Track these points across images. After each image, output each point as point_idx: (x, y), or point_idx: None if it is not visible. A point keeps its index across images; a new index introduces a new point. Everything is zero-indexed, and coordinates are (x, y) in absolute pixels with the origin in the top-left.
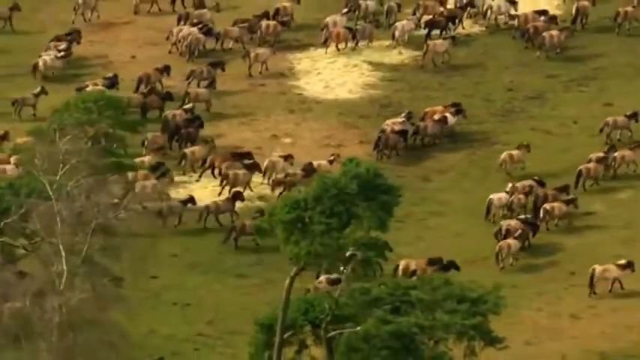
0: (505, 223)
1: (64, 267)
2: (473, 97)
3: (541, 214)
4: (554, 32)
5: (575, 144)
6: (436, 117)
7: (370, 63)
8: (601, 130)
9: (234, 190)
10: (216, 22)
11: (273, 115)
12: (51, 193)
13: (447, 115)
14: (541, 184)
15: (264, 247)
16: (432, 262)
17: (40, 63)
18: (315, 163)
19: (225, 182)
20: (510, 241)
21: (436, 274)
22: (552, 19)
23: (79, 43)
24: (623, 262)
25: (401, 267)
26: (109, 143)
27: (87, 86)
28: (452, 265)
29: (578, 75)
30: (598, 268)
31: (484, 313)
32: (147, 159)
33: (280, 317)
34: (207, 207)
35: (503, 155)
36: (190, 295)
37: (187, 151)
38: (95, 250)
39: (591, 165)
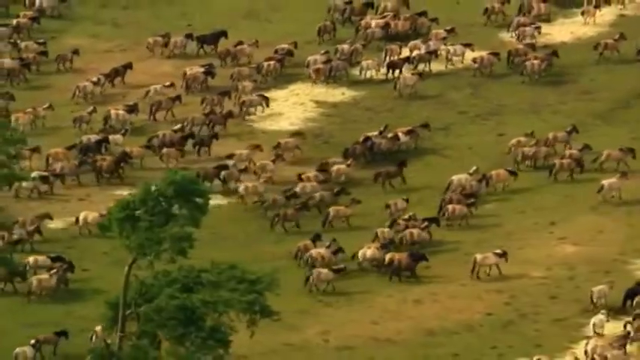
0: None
1: None
2: (394, 128)
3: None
4: (536, 61)
5: (465, 165)
6: (389, 135)
7: (316, 101)
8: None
9: None
10: (256, 57)
11: (224, 141)
12: None
13: (399, 134)
14: (513, 173)
15: None
16: (410, 254)
17: (152, 90)
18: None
19: None
20: (414, 230)
21: (407, 263)
22: (554, 53)
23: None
24: (499, 251)
25: (387, 258)
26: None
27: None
28: (422, 257)
29: (484, 111)
30: (479, 256)
31: (260, 292)
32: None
33: (121, 297)
34: None
35: (513, 141)
36: (109, 284)
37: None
38: None
39: (565, 160)
